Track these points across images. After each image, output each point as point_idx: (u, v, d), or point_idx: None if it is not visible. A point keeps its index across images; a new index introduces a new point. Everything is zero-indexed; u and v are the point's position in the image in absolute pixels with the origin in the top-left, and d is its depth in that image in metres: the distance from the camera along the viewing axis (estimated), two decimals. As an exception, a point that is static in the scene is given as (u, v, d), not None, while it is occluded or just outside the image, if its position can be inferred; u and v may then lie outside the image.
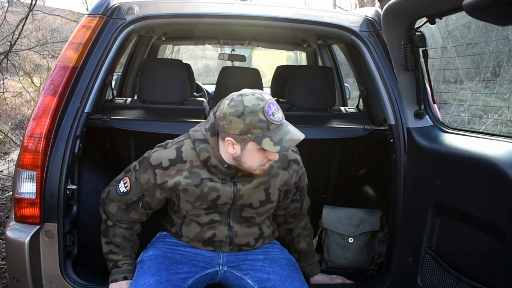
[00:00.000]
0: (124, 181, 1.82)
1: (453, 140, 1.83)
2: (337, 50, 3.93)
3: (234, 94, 1.63)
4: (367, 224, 2.23)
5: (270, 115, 1.57)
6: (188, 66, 3.28)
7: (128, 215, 1.86)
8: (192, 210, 1.77)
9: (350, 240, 2.21)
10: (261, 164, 1.66)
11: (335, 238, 2.23)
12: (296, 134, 1.61)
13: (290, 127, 1.63)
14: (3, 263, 3.11)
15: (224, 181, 1.74)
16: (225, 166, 1.71)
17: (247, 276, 1.79)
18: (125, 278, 1.83)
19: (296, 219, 2.02)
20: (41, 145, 1.85)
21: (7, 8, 7.82)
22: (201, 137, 1.72)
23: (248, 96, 1.59)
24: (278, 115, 1.59)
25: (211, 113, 1.73)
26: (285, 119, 2.31)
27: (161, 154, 1.74)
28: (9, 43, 6.60)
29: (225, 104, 1.61)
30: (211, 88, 5.15)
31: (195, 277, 1.79)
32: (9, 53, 6.72)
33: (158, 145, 1.80)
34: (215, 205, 1.76)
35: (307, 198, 2.02)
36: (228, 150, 1.65)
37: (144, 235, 1.99)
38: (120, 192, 1.82)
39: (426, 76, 1.94)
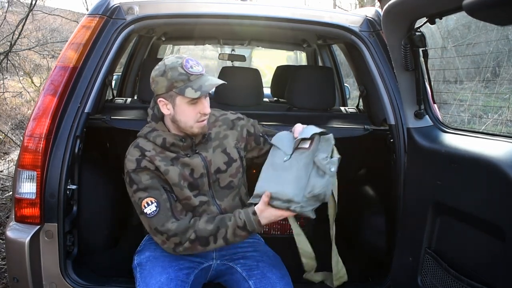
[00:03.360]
0: (146, 204, 1.74)
1: (453, 140, 1.83)
2: (337, 50, 3.93)
3: None
4: (302, 135, 1.76)
5: (188, 67, 1.71)
6: (188, 66, 3.28)
7: (185, 213, 1.78)
8: (181, 192, 1.79)
9: (285, 158, 1.75)
10: (195, 119, 1.75)
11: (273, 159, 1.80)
12: (215, 80, 1.74)
13: (211, 77, 1.75)
14: (3, 263, 3.12)
15: (188, 155, 1.82)
16: (181, 139, 1.80)
17: (238, 265, 1.84)
18: (254, 213, 1.70)
19: None
20: (41, 145, 1.85)
21: (7, 8, 7.82)
22: (148, 130, 1.84)
23: (169, 57, 1.75)
24: (198, 68, 1.73)
25: (148, 109, 1.87)
26: (285, 119, 2.32)
27: (129, 159, 1.78)
28: (9, 43, 6.60)
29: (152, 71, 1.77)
30: (211, 88, 5.13)
31: (195, 272, 1.81)
32: (9, 53, 6.72)
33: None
34: (195, 180, 1.81)
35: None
36: (164, 112, 1.77)
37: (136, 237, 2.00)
38: (154, 211, 1.73)
39: (426, 76, 1.94)
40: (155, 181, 1.76)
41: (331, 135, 1.76)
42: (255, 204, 1.72)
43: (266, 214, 1.69)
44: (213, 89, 1.80)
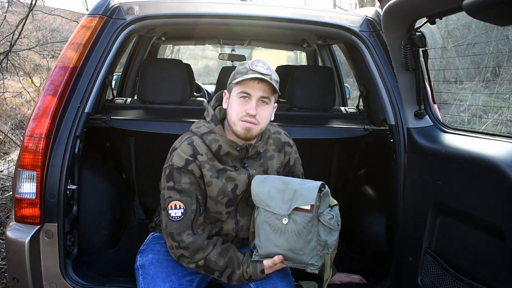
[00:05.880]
0: (174, 206, 1.71)
1: (453, 140, 1.83)
2: (337, 50, 3.93)
3: None
4: (301, 198, 1.67)
5: (253, 65, 1.72)
6: (188, 66, 3.29)
7: (202, 228, 1.77)
8: (214, 206, 1.78)
9: (284, 220, 1.67)
10: (240, 116, 1.71)
11: (268, 217, 1.72)
12: (260, 76, 1.69)
13: (263, 76, 1.71)
14: (3, 263, 3.12)
15: (236, 168, 1.79)
16: (238, 149, 1.76)
17: None
18: (262, 272, 1.72)
19: None
20: (41, 145, 1.85)
21: (7, 8, 7.82)
22: (206, 130, 1.78)
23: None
24: (262, 69, 1.71)
25: (209, 107, 1.83)
26: (285, 119, 2.31)
27: (179, 154, 1.73)
28: (9, 43, 6.60)
29: None
30: (211, 88, 5.15)
31: (198, 278, 1.80)
32: (9, 53, 6.71)
33: (169, 154, 1.77)
34: (235, 196, 1.79)
35: None
36: (224, 105, 1.80)
37: (139, 233, 2.00)
38: (178, 217, 1.70)
39: (426, 76, 1.94)
40: (192, 188, 1.72)
41: (327, 189, 1.70)
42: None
43: (274, 268, 1.73)
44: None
